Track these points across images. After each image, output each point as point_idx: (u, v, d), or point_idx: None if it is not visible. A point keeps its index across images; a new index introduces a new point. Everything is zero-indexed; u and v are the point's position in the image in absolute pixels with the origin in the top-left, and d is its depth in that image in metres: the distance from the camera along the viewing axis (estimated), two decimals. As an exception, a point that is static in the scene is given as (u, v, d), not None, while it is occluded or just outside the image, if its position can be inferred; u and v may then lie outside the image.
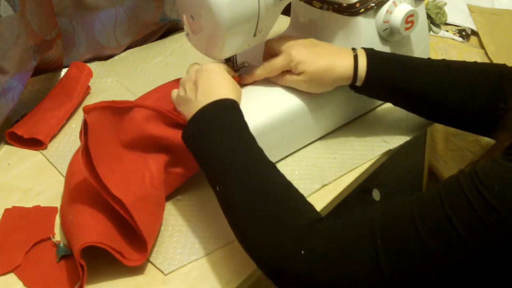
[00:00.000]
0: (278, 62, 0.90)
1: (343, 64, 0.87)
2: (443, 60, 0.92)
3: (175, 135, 0.85)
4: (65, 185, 0.91)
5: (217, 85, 0.82)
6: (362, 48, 0.89)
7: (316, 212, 0.70)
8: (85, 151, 0.78)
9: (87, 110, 0.78)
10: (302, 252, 0.64)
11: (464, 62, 0.93)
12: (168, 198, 0.89)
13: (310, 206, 0.70)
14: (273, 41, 0.93)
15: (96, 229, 0.78)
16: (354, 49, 0.89)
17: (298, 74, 0.89)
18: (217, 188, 0.73)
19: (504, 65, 0.89)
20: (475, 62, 0.93)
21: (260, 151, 0.75)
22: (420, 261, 0.61)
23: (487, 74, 0.89)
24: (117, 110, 0.84)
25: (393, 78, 0.89)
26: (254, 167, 0.73)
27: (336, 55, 0.89)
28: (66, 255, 0.81)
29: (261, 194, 0.70)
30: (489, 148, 0.72)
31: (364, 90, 0.90)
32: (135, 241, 0.79)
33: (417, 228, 0.61)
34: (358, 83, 0.89)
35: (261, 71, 0.92)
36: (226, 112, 0.79)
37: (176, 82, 0.94)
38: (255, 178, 0.72)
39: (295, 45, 0.89)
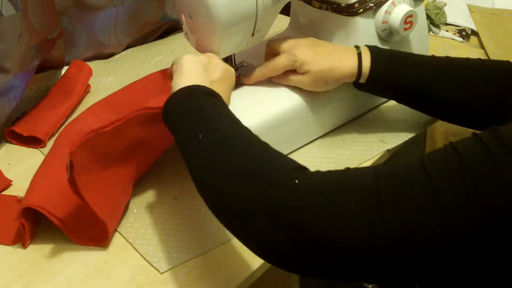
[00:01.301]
0: (282, 62, 0.90)
1: (347, 62, 0.88)
2: (447, 57, 0.92)
3: (152, 130, 0.85)
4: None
5: (226, 94, 0.80)
6: (366, 45, 0.90)
7: (293, 161, 0.64)
8: (71, 182, 0.77)
9: (72, 152, 0.75)
10: (296, 181, 0.59)
11: (468, 58, 0.92)
12: (165, 197, 0.89)
13: (287, 158, 0.65)
14: (275, 41, 0.93)
15: (46, 195, 0.82)
16: (357, 47, 0.89)
17: (303, 73, 0.89)
18: (199, 136, 0.68)
19: (508, 62, 0.89)
20: (479, 59, 0.93)
21: (238, 120, 0.72)
22: (428, 212, 0.54)
23: (493, 70, 0.89)
24: (100, 135, 0.81)
25: (397, 75, 0.89)
26: (234, 128, 0.69)
27: (339, 54, 0.89)
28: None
29: (247, 145, 0.66)
30: None
31: (368, 87, 0.90)
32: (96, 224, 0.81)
33: (429, 176, 0.55)
34: (362, 80, 0.89)
35: (263, 71, 0.92)
36: (211, 98, 0.75)
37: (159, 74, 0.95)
38: (239, 136, 0.68)
39: (298, 45, 0.89)
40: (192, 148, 0.69)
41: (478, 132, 0.58)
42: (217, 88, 0.77)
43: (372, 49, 0.89)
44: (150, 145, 0.89)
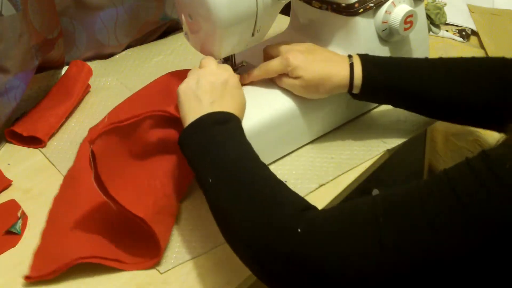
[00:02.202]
0: (274, 65, 0.90)
1: (339, 73, 0.87)
2: (440, 58, 0.92)
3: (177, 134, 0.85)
4: (58, 195, 0.91)
5: (230, 100, 0.81)
6: (357, 54, 0.89)
7: (301, 201, 0.68)
8: (97, 179, 0.77)
9: (92, 140, 0.77)
10: (299, 229, 0.62)
11: (462, 57, 0.92)
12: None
13: (296, 196, 0.68)
14: (270, 46, 0.93)
15: (89, 243, 0.80)
16: (350, 57, 0.89)
17: (295, 78, 0.89)
18: (209, 180, 0.71)
19: (503, 58, 0.89)
20: (474, 57, 0.93)
21: (254, 156, 0.74)
22: (424, 238, 0.58)
23: (487, 65, 0.89)
24: (121, 128, 0.83)
25: (390, 83, 0.88)
26: (247, 166, 0.72)
27: (332, 64, 0.88)
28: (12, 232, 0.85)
29: (254, 183, 0.69)
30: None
31: (362, 97, 0.90)
32: (138, 245, 0.80)
33: (423, 204, 0.59)
34: (355, 91, 0.89)
35: (257, 72, 0.92)
36: (230, 125, 0.77)
37: (172, 76, 0.95)
38: (246, 176, 0.70)
39: (292, 50, 0.89)
40: (206, 189, 0.73)
41: (470, 157, 0.61)
42: (229, 105, 0.80)
43: (363, 58, 0.88)
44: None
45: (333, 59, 0.89)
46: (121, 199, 0.77)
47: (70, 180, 0.92)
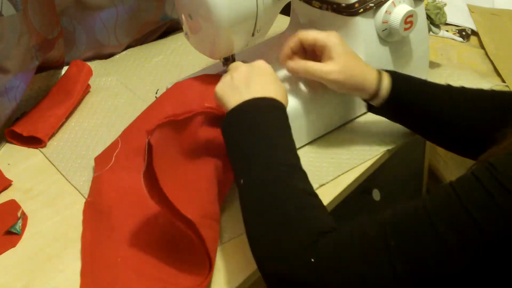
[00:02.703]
0: (315, 34, 0.86)
1: (370, 75, 0.86)
2: (462, 87, 0.90)
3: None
4: (86, 232, 0.86)
5: (270, 84, 0.79)
6: (386, 70, 0.88)
7: (326, 223, 0.66)
8: (148, 173, 0.75)
9: (150, 131, 0.75)
10: (312, 259, 0.62)
11: (479, 89, 0.90)
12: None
13: (321, 217, 0.67)
14: (306, 33, 0.88)
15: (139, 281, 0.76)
16: (378, 71, 0.87)
17: (328, 59, 0.85)
18: (241, 181, 0.71)
19: None
20: (491, 90, 0.91)
21: (294, 155, 0.73)
22: (437, 258, 0.58)
23: (499, 99, 0.87)
24: (177, 123, 0.81)
25: (412, 104, 0.87)
26: (281, 170, 0.70)
27: (365, 65, 0.87)
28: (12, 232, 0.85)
29: (274, 196, 0.68)
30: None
31: (381, 110, 0.89)
32: (190, 263, 0.78)
33: (433, 223, 0.58)
34: (377, 102, 0.87)
35: (297, 34, 0.88)
36: (273, 109, 0.76)
37: (182, 86, 0.93)
38: (277, 182, 0.69)
39: (334, 35, 0.86)
40: (239, 188, 0.72)
41: (476, 170, 0.60)
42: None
43: (393, 74, 0.87)
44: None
45: (365, 63, 0.88)
46: (172, 198, 0.74)
47: (98, 215, 0.87)
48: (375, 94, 0.86)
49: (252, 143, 0.73)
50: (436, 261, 0.58)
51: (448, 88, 0.89)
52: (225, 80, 0.81)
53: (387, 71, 0.88)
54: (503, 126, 0.75)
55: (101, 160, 0.95)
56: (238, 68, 0.81)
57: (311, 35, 0.87)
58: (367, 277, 0.60)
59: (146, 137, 0.73)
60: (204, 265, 0.76)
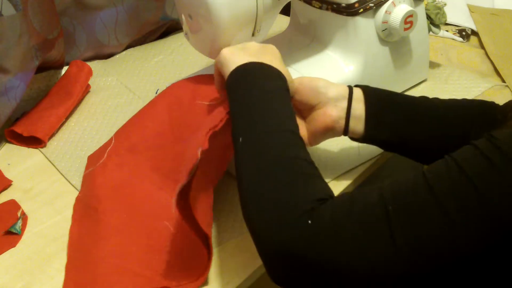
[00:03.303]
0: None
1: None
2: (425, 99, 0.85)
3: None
4: (75, 226, 0.87)
5: (278, 62, 0.78)
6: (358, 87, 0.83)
7: (321, 190, 0.63)
8: (185, 188, 0.75)
9: (205, 145, 0.74)
10: (309, 227, 0.59)
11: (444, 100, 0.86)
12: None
13: (317, 184, 0.64)
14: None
15: (126, 276, 0.77)
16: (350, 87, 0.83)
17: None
18: (240, 140, 0.69)
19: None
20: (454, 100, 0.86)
21: (293, 123, 0.71)
22: (437, 227, 0.55)
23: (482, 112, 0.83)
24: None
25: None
26: (277, 135, 0.68)
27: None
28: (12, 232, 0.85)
29: (278, 161, 0.65)
30: None
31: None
32: (180, 263, 0.78)
33: (433, 190, 0.56)
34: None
35: None
36: (277, 76, 0.74)
37: (179, 86, 0.94)
38: (271, 145, 0.67)
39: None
40: (235, 147, 0.70)
41: (475, 141, 0.59)
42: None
43: (364, 88, 0.83)
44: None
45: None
46: (196, 212, 0.75)
47: (88, 210, 0.87)
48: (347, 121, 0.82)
49: (255, 103, 0.71)
50: (438, 235, 0.56)
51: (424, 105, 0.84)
52: (236, 46, 0.80)
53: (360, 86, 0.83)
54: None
55: (93, 158, 0.96)
56: (248, 45, 0.80)
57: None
58: (366, 249, 0.57)
59: (197, 150, 0.72)
60: (194, 267, 0.76)
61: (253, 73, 0.74)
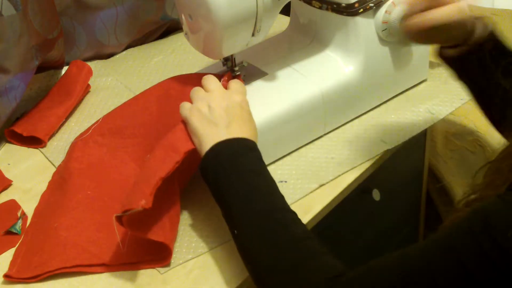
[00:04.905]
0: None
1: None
2: None
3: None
4: (46, 192, 0.91)
5: (246, 125, 0.79)
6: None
7: (333, 266, 0.66)
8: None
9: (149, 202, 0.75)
10: None
11: None
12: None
13: (328, 261, 0.67)
14: None
15: (74, 249, 0.80)
16: None
17: None
18: (235, 232, 0.72)
19: None
20: None
21: (280, 199, 0.73)
22: None
23: None
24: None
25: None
26: (273, 216, 0.70)
27: None
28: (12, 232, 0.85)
29: (277, 247, 0.68)
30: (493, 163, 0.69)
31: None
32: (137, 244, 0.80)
33: (433, 279, 0.58)
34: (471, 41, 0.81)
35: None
36: (250, 153, 0.76)
37: (172, 81, 0.95)
38: (275, 230, 0.69)
39: None
40: (234, 238, 0.73)
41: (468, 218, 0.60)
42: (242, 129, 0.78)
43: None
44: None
45: None
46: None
47: (60, 180, 0.92)
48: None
49: (237, 191, 0.73)
50: None
51: None
52: (202, 111, 0.79)
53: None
54: None
55: (81, 134, 0.99)
56: (217, 98, 0.80)
57: None
58: None
59: (140, 202, 0.74)
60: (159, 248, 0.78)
61: (223, 157, 0.75)
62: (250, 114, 0.82)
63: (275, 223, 0.70)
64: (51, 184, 0.93)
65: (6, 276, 0.78)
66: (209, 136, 0.77)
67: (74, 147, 0.96)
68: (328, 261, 0.67)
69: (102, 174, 0.90)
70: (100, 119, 0.98)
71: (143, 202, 0.73)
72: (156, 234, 0.77)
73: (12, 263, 0.80)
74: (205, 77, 0.85)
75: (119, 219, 0.74)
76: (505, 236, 0.55)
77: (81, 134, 0.99)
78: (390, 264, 0.62)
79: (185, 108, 0.81)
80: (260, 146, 0.77)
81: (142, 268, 0.79)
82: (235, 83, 0.85)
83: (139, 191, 0.75)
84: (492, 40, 0.81)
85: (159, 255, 0.79)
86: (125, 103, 0.99)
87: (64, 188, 0.89)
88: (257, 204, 0.72)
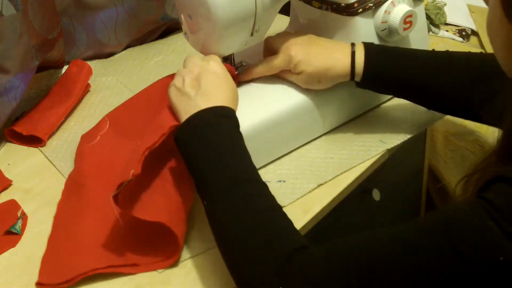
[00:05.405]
0: (277, 62, 0.91)
1: (341, 63, 0.88)
2: (446, 51, 0.93)
3: None
4: (62, 200, 0.90)
5: (220, 90, 0.79)
6: (362, 42, 0.90)
7: (298, 240, 0.67)
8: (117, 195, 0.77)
9: (136, 168, 0.76)
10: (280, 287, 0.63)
11: (465, 52, 0.93)
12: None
13: (293, 234, 0.68)
14: (272, 38, 0.94)
15: (102, 251, 0.80)
16: (353, 45, 0.90)
17: (298, 73, 0.90)
18: (204, 202, 0.73)
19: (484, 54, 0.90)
20: (476, 52, 0.93)
21: (252, 169, 0.74)
22: None
23: (475, 62, 0.90)
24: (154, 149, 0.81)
25: (391, 71, 0.89)
26: (243, 188, 0.71)
27: (334, 54, 0.89)
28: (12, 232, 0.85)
29: (244, 218, 0.69)
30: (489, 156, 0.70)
31: (364, 85, 0.91)
32: (153, 244, 0.80)
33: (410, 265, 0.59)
34: (357, 79, 0.90)
35: (260, 69, 0.93)
36: (224, 122, 0.77)
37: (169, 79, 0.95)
38: (241, 200, 0.70)
39: (294, 44, 0.90)
40: (204, 207, 0.73)
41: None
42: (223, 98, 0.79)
43: (367, 46, 0.89)
44: None
45: (335, 48, 0.90)
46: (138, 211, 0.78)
47: (74, 186, 0.91)
48: (352, 76, 0.89)
49: (207, 161, 0.73)
50: None
51: (428, 53, 0.93)
52: (176, 84, 0.82)
53: (364, 45, 0.89)
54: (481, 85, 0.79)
55: (86, 137, 0.98)
56: (191, 70, 0.82)
57: (275, 68, 0.92)
58: None
59: (129, 171, 0.75)
60: (171, 245, 0.79)
61: (196, 129, 0.76)
62: (225, 79, 0.82)
63: (242, 193, 0.70)
64: (66, 191, 0.91)
65: (38, 284, 0.77)
66: (185, 109, 0.78)
67: (83, 153, 0.95)
68: (289, 234, 0.68)
69: (117, 176, 0.88)
70: (106, 120, 0.97)
71: (132, 171, 0.74)
72: (168, 222, 0.78)
73: (42, 271, 0.79)
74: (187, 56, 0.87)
75: (115, 198, 0.75)
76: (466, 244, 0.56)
77: (87, 139, 0.97)
78: (358, 246, 0.63)
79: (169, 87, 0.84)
80: (259, 146, 0.77)
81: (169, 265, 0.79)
82: (210, 55, 0.86)
83: (129, 166, 0.76)
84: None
85: (169, 252, 0.79)
86: (128, 103, 0.98)
87: (81, 193, 0.88)
88: (223, 174, 0.72)
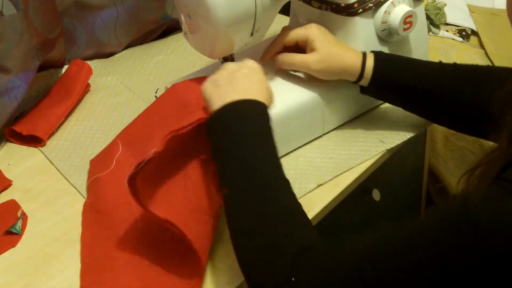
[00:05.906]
0: (295, 32, 0.92)
1: (353, 58, 0.90)
2: (454, 63, 0.94)
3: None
4: (86, 232, 0.86)
5: (254, 85, 0.79)
6: (372, 51, 0.91)
7: (313, 236, 0.67)
8: (133, 180, 0.75)
9: (157, 146, 0.75)
10: (293, 278, 0.63)
11: (472, 64, 0.94)
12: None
13: (308, 231, 0.68)
14: (290, 26, 0.95)
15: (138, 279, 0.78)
16: (363, 52, 0.91)
17: (311, 51, 0.91)
18: (224, 190, 0.72)
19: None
20: (482, 65, 0.94)
21: (276, 164, 0.73)
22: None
23: (493, 76, 0.89)
24: (178, 135, 0.80)
25: (398, 79, 0.90)
26: (264, 182, 0.71)
27: (347, 49, 0.91)
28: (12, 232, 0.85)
29: (261, 213, 0.68)
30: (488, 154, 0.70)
31: (370, 90, 0.92)
32: (184, 264, 0.78)
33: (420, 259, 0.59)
34: (364, 82, 0.90)
35: (278, 39, 0.95)
36: (255, 114, 0.76)
37: (185, 86, 0.93)
38: (260, 195, 0.70)
39: (314, 26, 0.92)
40: (223, 195, 0.73)
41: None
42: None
43: (377, 53, 0.91)
44: None
45: (348, 47, 0.92)
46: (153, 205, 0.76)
47: (97, 216, 0.87)
48: (360, 76, 0.90)
49: (234, 152, 0.73)
50: None
51: (435, 64, 0.93)
52: (211, 78, 0.81)
53: (374, 52, 0.91)
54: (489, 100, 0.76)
55: (98, 163, 0.94)
56: (226, 67, 0.81)
57: (291, 36, 0.93)
58: None
59: (150, 150, 0.73)
60: (196, 264, 0.76)
61: (227, 119, 0.75)
62: (260, 76, 0.81)
63: (263, 185, 0.70)
64: (88, 222, 0.87)
65: None
66: (219, 97, 0.77)
67: (101, 181, 0.90)
68: (304, 231, 0.68)
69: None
70: (117, 143, 0.93)
71: (154, 149, 0.73)
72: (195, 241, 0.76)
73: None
74: None
75: (133, 179, 0.73)
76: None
77: (100, 166, 0.93)
78: (364, 245, 0.64)
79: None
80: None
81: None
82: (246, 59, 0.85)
83: (151, 146, 0.74)
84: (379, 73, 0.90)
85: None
86: (138, 121, 0.95)
87: (108, 223, 0.85)
88: (248, 162, 0.72)
